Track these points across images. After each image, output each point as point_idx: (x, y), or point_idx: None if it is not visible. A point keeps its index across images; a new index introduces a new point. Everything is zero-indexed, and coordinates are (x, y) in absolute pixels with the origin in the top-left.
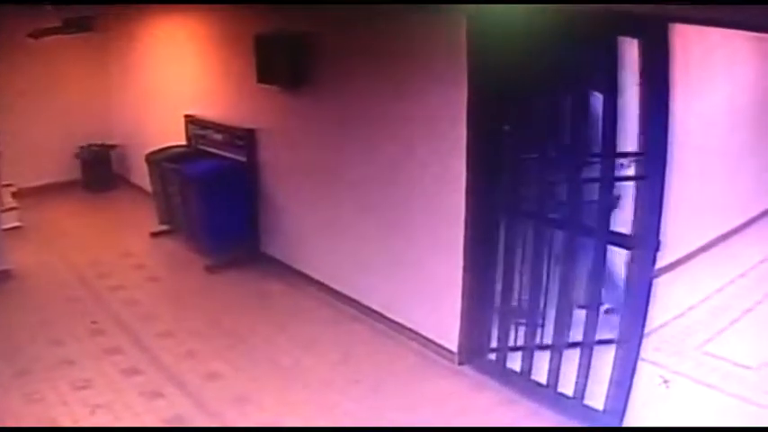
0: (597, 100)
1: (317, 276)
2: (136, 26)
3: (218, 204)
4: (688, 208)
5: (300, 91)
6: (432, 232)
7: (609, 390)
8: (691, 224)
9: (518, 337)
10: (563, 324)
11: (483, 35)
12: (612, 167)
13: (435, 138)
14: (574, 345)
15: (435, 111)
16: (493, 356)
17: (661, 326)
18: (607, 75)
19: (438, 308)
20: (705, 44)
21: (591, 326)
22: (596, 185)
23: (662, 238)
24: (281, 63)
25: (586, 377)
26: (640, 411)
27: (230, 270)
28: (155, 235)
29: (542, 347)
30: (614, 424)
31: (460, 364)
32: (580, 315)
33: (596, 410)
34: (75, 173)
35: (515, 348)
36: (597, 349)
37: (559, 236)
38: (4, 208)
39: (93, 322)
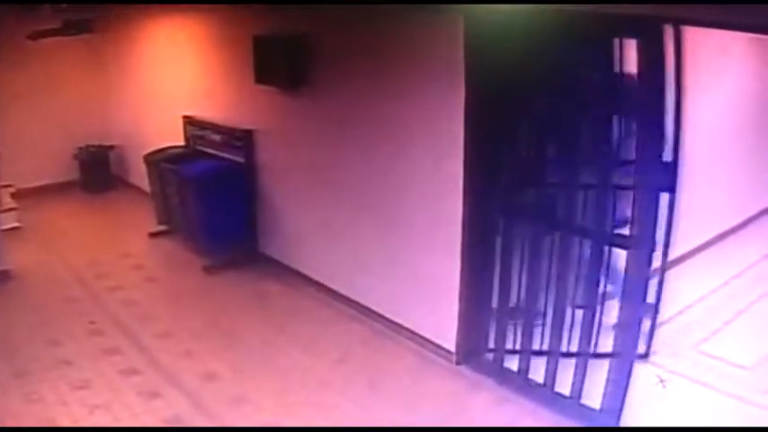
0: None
1: (315, 277)
2: (134, 28)
3: (217, 205)
4: (685, 208)
5: (298, 92)
6: (430, 232)
7: (606, 389)
8: (687, 224)
9: (516, 337)
10: (560, 324)
11: (480, 35)
12: (610, 168)
13: (433, 138)
14: (569, 355)
15: (433, 111)
16: (490, 356)
17: (658, 325)
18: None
19: (436, 308)
20: (707, 43)
21: (588, 327)
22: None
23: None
24: (279, 64)
25: (583, 376)
26: (637, 410)
27: (228, 270)
28: (153, 235)
29: (539, 353)
30: (611, 423)
31: (458, 363)
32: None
33: (593, 410)
34: (74, 173)
35: (513, 351)
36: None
37: (557, 237)
38: (2, 209)
39: (92, 322)
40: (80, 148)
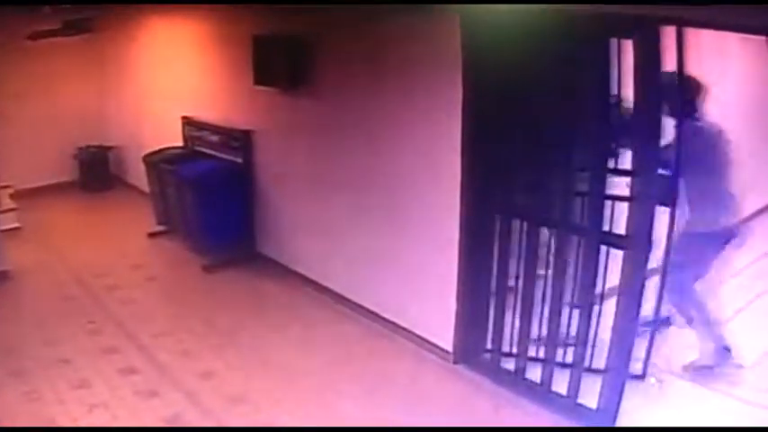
0: None
1: (312, 276)
2: (133, 28)
3: (215, 205)
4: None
5: (297, 92)
6: (427, 232)
7: (602, 388)
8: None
9: (513, 337)
10: (556, 324)
11: (478, 35)
12: (606, 168)
13: (431, 138)
14: (564, 366)
15: (431, 111)
16: (488, 356)
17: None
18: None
19: (433, 307)
20: (707, 45)
21: (584, 325)
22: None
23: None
24: (278, 64)
25: (580, 376)
26: (633, 410)
27: (227, 270)
28: (152, 235)
29: (534, 359)
30: (607, 422)
31: (455, 363)
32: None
33: (590, 409)
34: (73, 174)
35: (509, 355)
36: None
37: (554, 235)
38: (2, 209)
39: (91, 322)
40: (79, 149)
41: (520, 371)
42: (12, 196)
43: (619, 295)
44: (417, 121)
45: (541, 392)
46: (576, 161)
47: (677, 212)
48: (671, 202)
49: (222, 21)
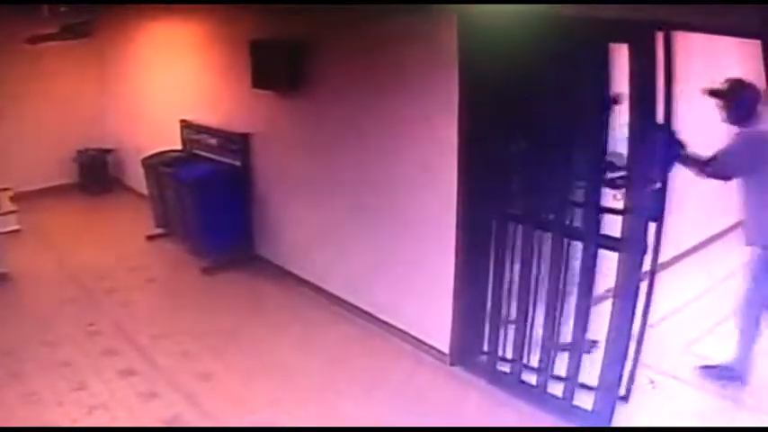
0: None
1: (310, 278)
2: (132, 32)
3: (214, 207)
4: (675, 211)
5: (294, 96)
6: (424, 234)
7: (597, 390)
8: (678, 227)
9: (508, 338)
10: (552, 326)
11: (474, 37)
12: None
13: (428, 141)
14: (558, 379)
15: (428, 113)
16: (484, 358)
17: (648, 327)
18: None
19: (430, 309)
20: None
21: (580, 327)
22: None
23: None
24: (276, 68)
25: (575, 378)
26: (628, 411)
27: (225, 272)
28: (151, 238)
29: (529, 367)
30: (603, 424)
31: (452, 365)
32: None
33: (585, 410)
34: (73, 177)
35: (505, 359)
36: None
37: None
38: (2, 211)
39: (90, 324)
40: (79, 152)
41: (515, 373)
42: (12, 199)
43: (614, 297)
44: (414, 123)
45: (537, 394)
46: (573, 163)
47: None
48: (659, 216)
49: (220, 24)
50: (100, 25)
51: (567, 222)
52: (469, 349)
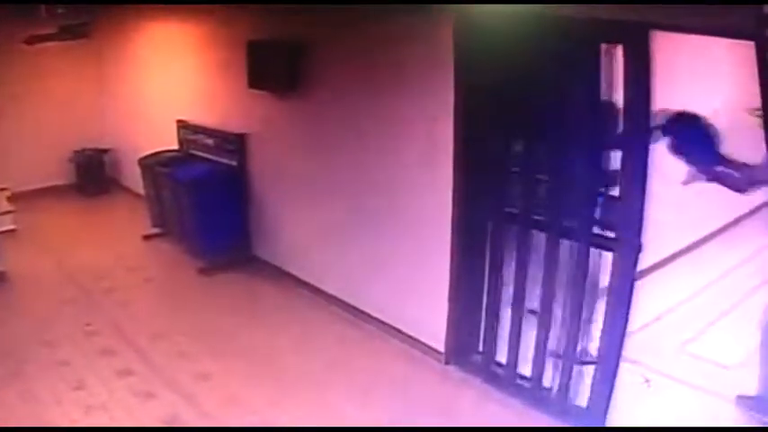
0: None
1: (307, 279)
2: (129, 33)
3: (210, 208)
4: (669, 211)
5: (291, 96)
6: (420, 234)
7: (592, 388)
8: (672, 227)
9: (503, 340)
10: (546, 325)
11: (470, 37)
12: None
13: (423, 140)
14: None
15: (424, 113)
16: (479, 356)
17: (643, 326)
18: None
19: (426, 308)
20: (689, 47)
21: (574, 325)
22: None
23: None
24: (273, 69)
25: (570, 376)
26: (623, 409)
27: (222, 272)
28: (148, 238)
29: (523, 377)
30: (597, 422)
31: (447, 363)
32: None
33: (580, 408)
34: (70, 177)
35: (500, 365)
36: None
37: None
38: None
39: (88, 324)
40: (76, 152)
41: (511, 371)
42: (9, 199)
43: (608, 295)
44: (411, 124)
45: (531, 392)
46: (568, 162)
47: None
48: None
49: (217, 24)
50: (98, 26)
51: (563, 222)
52: (465, 348)
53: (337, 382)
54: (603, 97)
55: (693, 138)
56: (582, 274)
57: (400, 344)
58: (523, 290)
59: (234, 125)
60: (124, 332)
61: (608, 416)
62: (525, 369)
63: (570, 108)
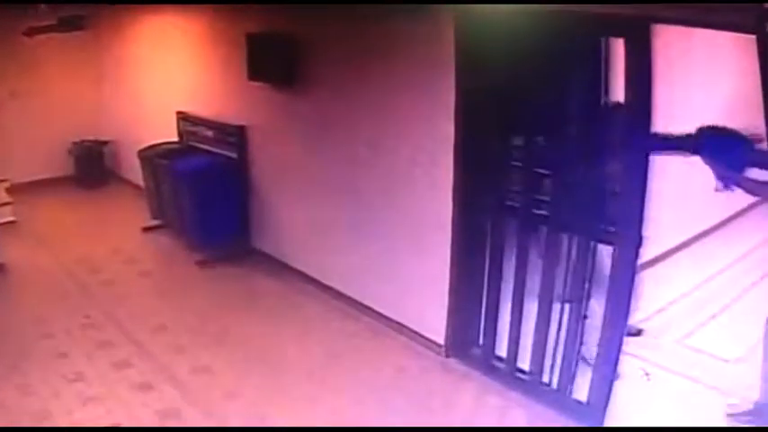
0: None
1: (307, 272)
2: (128, 24)
3: (210, 200)
4: (669, 205)
5: (291, 89)
6: (420, 227)
7: (592, 382)
8: (671, 221)
9: (503, 333)
10: (546, 319)
11: (471, 35)
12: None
13: (424, 136)
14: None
15: (424, 109)
16: (479, 350)
17: (643, 320)
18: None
19: (426, 302)
20: (687, 42)
21: (575, 320)
22: None
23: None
24: (272, 61)
25: (570, 369)
26: (623, 403)
27: (221, 265)
28: (147, 230)
29: (522, 371)
30: (598, 415)
31: (447, 356)
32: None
33: (580, 402)
34: (69, 169)
35: (500, 358)
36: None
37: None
38: None
39: (86, 316)
40: (75, 144)
41: (511, 364)
42: (8, 190)
43: (609, 290)
44: (411, 120)
45: (531, 385)
46: (569, 157)
47: None
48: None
49: (217, 16)
50: (97, 17)
51: (563, 216)
52: (465, 341)
53: (337, 375)
54: (604, 92)
55: (727, 150)
56: (582, 267)
57: (401, 337)
58: (523, 284)
59: (234, 117)
60: (123, 324)
61: (608, 410)
62: (526, 361)
63: (571, 104)
